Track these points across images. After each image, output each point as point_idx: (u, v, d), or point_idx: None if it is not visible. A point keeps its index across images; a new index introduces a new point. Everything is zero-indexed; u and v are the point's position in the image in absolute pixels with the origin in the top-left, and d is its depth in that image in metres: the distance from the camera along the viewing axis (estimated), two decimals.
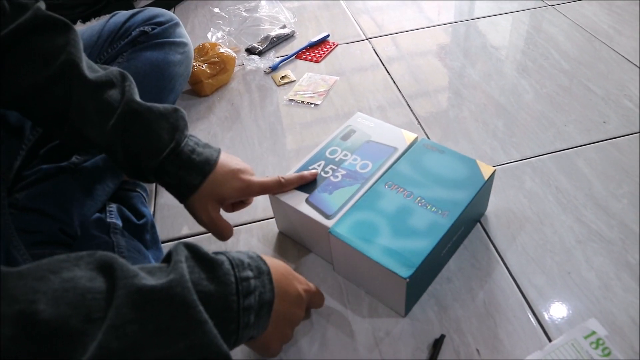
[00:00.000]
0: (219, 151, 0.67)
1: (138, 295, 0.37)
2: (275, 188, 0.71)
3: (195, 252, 0.45)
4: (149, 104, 0.64)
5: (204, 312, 0.40)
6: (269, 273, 0.51)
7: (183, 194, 0.65)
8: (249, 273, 0.48)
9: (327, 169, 0.75)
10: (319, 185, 0.73)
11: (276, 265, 0.54)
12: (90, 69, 0.63)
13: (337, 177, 0.74)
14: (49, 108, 0.61)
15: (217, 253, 0.48)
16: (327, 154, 0.78)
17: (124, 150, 0.62)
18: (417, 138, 0.79)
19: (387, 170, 0.74)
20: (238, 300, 0.45)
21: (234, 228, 0.82)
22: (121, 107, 0.61)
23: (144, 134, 0.62)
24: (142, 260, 0.72)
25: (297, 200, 0.72)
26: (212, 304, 0.42)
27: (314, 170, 0.74)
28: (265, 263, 0.51)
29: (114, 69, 0.65)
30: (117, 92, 0.63)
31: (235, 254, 0.49)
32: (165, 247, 0.80)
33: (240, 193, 0.66)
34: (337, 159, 0.77)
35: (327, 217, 0.69)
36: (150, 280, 0.39)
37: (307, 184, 0.73)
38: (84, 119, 0.61)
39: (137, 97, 0.64)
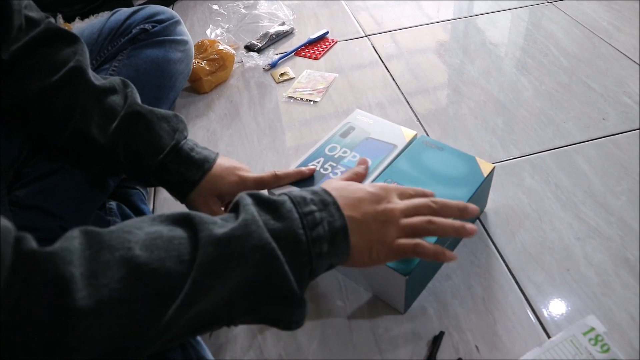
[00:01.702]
0: (217, 153, 0.70)
1: (220, 236, 0.42)
2: (272, 182, 0.70)
3: (257, 198, 0.47)
4: (150, 107, 0.67)
5: (278, 249, 0.43)
6: (335, 202, 0.50)
7: (183, 191, 0.65)
8: (313, 207, 0.48)
9: (326, 166, 0.75)
10: (318, 182, 0.73)
11: (343, 190, 0.54)
12: (95, 77, 0.67)
13: (336, 174, 0.74)
14: (53, 112, 0.64)
15: (280, 194, 0.50)
16: (326, 151, 0.78)
17: (126, 150, 0.63)
18: (416, 135, 0.79)
19: (386, 167, 0.75)
20: (305, 233, 0.46)
21: None
22: (124, 110, 0.65)
23: (145, 135, 0.65)
24: None
25: None
26: (282, 239, 0.44)
27: (312, 166, 0.75)
28: (329, 194, 0.51)
29: (115, 78, 0.69)
30: (120, 97, 0.67)
31: (298, 192, 0.50)
32: None
33: (237, 187, 0.67)
34: (336, 156, 0.77)
35: None
36: (227, 225, 0.43)
37: (305, 181, 0.73)
38: (88, 121, 0.64)
39: (139, 101, 0.67)
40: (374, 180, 0.73)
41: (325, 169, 0.75)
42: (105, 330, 0.35)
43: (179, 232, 0.41)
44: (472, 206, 0.58)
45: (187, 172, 0.65)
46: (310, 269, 0.47)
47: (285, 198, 0.48)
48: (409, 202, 0.56)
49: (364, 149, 0.77)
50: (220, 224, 0.43)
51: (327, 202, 0.50)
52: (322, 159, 0.76)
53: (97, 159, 0.70)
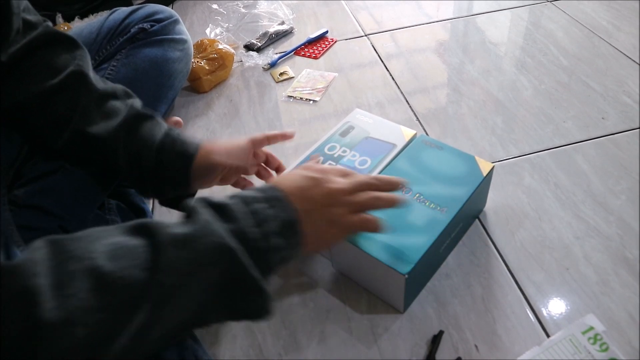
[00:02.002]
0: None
1: (179, 238, 0.43)
2: (263, 141, 0.74)
3: (208, 202, 0.48)
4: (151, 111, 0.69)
5: (234, 246, 0.45)
6: (285, 197, 0.52)
7: (186, 169, 0.66)
8: (263, 204, 0.50)
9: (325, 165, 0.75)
10: None
11: (286, 181, 0.56)
12: (97, 80, 0.67)
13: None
14: (52, 114, 0.64)
15: (231, 196, 0.50)
16: (325, 150, 0.78)
17: (125, 151, 0.63)
18: (415, 134, 0.79)
19: (386, 166, 0.75)
20: (257, 230, 0.48)
21: None
22: (127, 112, 0.65)
23: (144, 134, 0.65)
24: None
25: None
26: (236, 237, 0.46)
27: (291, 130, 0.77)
28: (277, 189, 0.53)
29: (118, 85, 0.69)
30: (122, 103, 0.67)
31: (247, 192, 0.51)
32: None
33: (231, 151, 0.70)
34: (335, 155, 0.77)
35: None
36: (183, 228, 0.44)
37: None
38: (89, 122, 0.64)
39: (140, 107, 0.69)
40: None
41: None
42: (75, 340, 0.35)
43: (138, 241, 0.42)
44: (402, 179, 0.63)
45: (185, 149, 0.66)
46: (267, 263, 0.48)
47: (236, 199, 0.49)
48: (352, 180, 0.59)
49: (364, 148, 0.77)
50: (176, 226, 0.44)
51: (276, 196, 0.52)
52: (321, 158, 0.76)
53: (95, 161, 0.69)
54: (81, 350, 0.36)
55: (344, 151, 0.77)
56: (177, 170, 0.66)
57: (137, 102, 0.68)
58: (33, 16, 0.65)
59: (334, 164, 0.75)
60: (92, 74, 0.67)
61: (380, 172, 0.74)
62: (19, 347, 0.34)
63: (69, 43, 0.67)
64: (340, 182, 0.58)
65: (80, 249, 0.38)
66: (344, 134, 0.81)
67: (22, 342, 0.34)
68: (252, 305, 0.47)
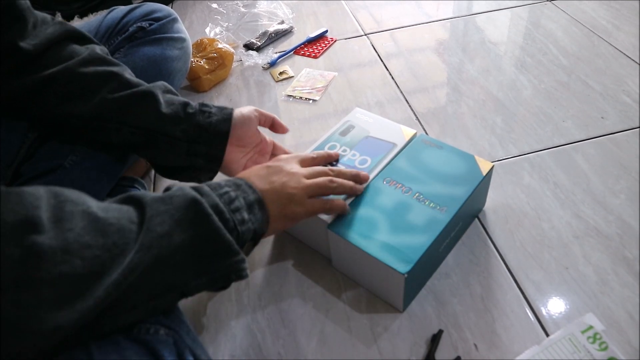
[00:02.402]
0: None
1: (163, 196, 0.49)
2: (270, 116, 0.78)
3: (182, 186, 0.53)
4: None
5: (208, 207, 0.50)
6: (246, 182, 0.59)
7: (223, 127, 0.70)
8: (227, 189, 0.55)
9: (325, 165, 0.75)
10: None
11: (250, 173, 0.63)
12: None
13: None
14: (81, 82, 0.66)
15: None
16: (325, 149, 0.78)
17: (165, 99, 0.69)
18: (415, 134, 0.79)
19: (385, 165, 0.74)
20: (225, 207, 0.53)
21: None
22: (155, 83, 0.70)
23: (180, 97, 0.71)
24: None
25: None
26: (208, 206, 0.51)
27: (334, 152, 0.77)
28: (240, 178, 0.59)
29: None
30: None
31: (214, 182, 0.56)
32: None
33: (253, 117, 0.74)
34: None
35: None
36: (166, 193, 0.51)
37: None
38: (125, 84, 0.67)
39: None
40: (374, 178, 0.73)
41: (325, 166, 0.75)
42: (72, 268, 0.38)
43: (126, 206, 0.47)
44: (364, 173, 0.71)
45: (221, 110, 0.71)
46: (237, 234, 0.53)
47: (205, 186, 0.54)
48: (310, 168, 0.67)
49: (364, 148, 0.77)
50: (159, 194, 0.49)
51: (239, 183, 0.57)
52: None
53: (126, 118, 0.69)
54: (77, 279, 0.39)
55: (344, 150, 0.77)
56: (225, 115, 0.71)
57: (162, 82, 0.72)
58: (40, 13, 0.67)
59: (334, 163, 0.75)
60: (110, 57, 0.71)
61: (380, 171, 0.74)
62: (21, 269, 0.36)
63: (87, 39, 0.71)
64: (301, 169, 0.66)
65: (76, 196, 0.43)
66: (344, 133, 0.81)
67: (23, 264, 0.36)
68: (233, 265, 0.51)
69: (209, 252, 0.49)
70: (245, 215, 0.54)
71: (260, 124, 0.77)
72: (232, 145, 0.72)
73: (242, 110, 0.73)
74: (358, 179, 0.70)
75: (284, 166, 0.64)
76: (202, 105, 0.71)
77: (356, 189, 0.69)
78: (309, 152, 0.78)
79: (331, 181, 0.65)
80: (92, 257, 0.40)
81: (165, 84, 0.71)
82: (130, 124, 0.67)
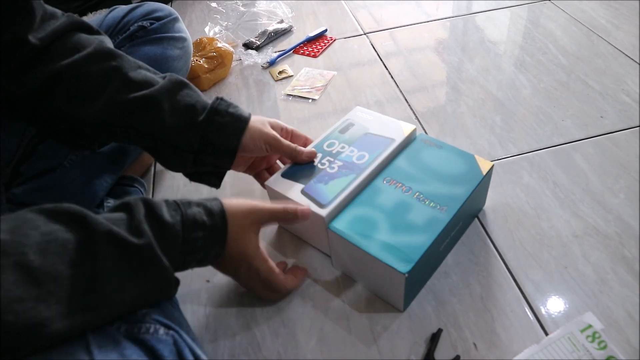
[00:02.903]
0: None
1: (118, 248, 0.45)
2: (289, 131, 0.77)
3: (150, 211, 0.51)
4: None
5: (165, 260, 0.49)
6: (223, 232, 0.56)
7: (239, 128, 0.67)
8: (199, 234, 0.54)
9: (323, 161, 0.75)
10: (315, 176, 0.73)
11: (237, 222, 0.58)
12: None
13: (333, 168, 0.74)
14: (86, 83, 0.64)
15: (177, 207, 0.53)
16: (324, 147, 0.78)
17: (172, 107, 0.64)
18: (415, 129, 0.80)
19: (384, 160, 0.75)
20: (182, 257, 0.52)
21: None
22: (166, 78, 0.66)
23: (194, 94, 0.67)
24: None
25: (293, 191, 0.72)
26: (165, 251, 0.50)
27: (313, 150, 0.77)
28: (224, 221, 0.56)
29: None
30: (155, 74, 0.67)
31: (193, 214, 0.54)
32: None
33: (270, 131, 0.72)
34: (334, 152, 0.77)
35: (322, 206, 0.69)
36: (125, 236, 0.46)
37: (303, 176, 0.74)
38: (130, 84, 0.64)
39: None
40: (372, 174, 0.73)
41: (323, 164, 0.75)
42: (5, 325, 0.38)
43: (72, 236, 0.44)
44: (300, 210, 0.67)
45: (237, 110, 0.68)
46: (183, 268, 0.54)
47: (177, 221, 0.52)
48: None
49: (362, 144, 0.77)
50: (115, 232, 0.46)
51: (216, 229, 0.56)
52: (320, 155, 0.77)
53: (132, 126, 0.66)
54: (11, 336, 0.38)
55: (343, 147, 0.77)
56: (236, 131, 0.67)
57: (174, 75, 0.68)
58: (51, 8, 0.67)
59: (332, 160, 0.75)
60: (119, 51, 0.68)
61: (378, 166, 0.74)
62: None
63: (94, 30, 0.70)
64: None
65: (11, 243, 0.40)
66: (343, 130, 0.81)
67: None
68: (163, 296, 0.52)
69: (153, 295, 0.50)
70: (193, 264, 0.55)
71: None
72: (239, 155, 0.69)
73: (258, 126, 0.69)
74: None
75: (254, 283, 0.65)
76: (214, 111, 0.65)
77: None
78: (308, 149, 0.77)
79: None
80: (24, 311, 0.39)
81: (176, 78, 0.67)
82: (137, 128, 0.65)
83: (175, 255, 0.51)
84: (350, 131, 0.80)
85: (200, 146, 0.65)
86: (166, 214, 0.51)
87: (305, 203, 0.70)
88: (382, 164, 0.75)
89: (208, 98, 0.68)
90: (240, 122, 0.67)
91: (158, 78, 0.66)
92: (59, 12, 0.67)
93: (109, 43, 0.69)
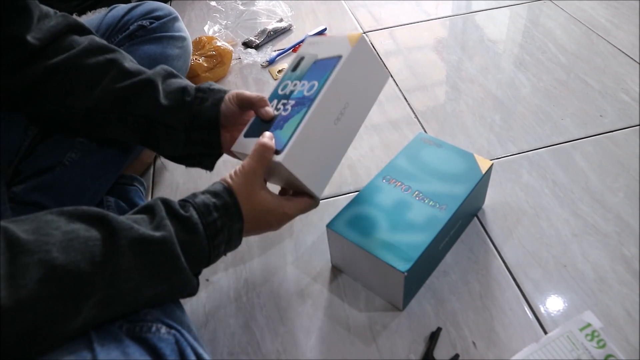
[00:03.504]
0: None
1: (139, 244, 0.46)
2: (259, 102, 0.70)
3: (169, 209, 0.52)
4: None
5: (184, 261, 0.49)
6: (235, 204, 0.56)
7: (221, 94, 0.69)
8: (215, 215, 0.54)
9: (279, 106, 0.68)
10: (273, 124, 0.67)
11: (241, 190, 0.58)
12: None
13: (287, 109, 0.67)
14: (83, 73, 0.66)
15: (185, 202, 0.54)
16: (279, 91, 0.71)
17: (165, 89, 0.67)
18: (361, 35, 0.67)
19: (334, 81, 0.64)
20: (208, 243, 0.53)
21: None
22: (156, 69, 0.69)
23: (183, 80, 0.70)
24: None
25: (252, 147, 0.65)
26: (188, 251, 0.50)
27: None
28: (231, 195, 0.56)
29: None
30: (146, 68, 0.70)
31: (202, 200, 0.54)
32: None
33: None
34: (288, 92, 0.69)
35: (277, 152, 0.62)
36: (146, 231, 0.47)
37: (263, 129, 0.67)
38: (125, 74, 0.67)
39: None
40: (321, 102, 0.64)
41: (278, 109, 0.68)
42: (24, 324, 0.39)
43: (94, 233, 0.44)
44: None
45: (216, 87, 0.70)
46: (207, 264, 0.55)
47: (192, 211, 0.53)
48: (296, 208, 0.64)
49: (312, 74, 0.68)
50: (136, 229, 0.47)
51: (228, 205, 0.56)
52: (275, 101, 0.69)
53: (129, 112, 0.68)
54: (30, 333, 0.39)
55: (295, 84, 0.69)
56: (215, 101, 0.68)
57: (163, 65, 0.71)
58: (44, 7, 0.68)
59: (286, 102, 0.68)
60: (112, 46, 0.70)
61: (333, 92, 0.65)
62: None
63: (87, 31, 0.71)
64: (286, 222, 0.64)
65: (35, 242, 0.41)
66: (295, 68, 0.72)
67: None
68: (182, 297, 0.53)
69: (171, 295, 0.51)
70: (223, 248, 0.55)
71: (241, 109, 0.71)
72: (225, 129, 0.70)
73: (231, 94, 0.70)
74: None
75: (281, 222, 0.63)
76: (199, 90, 0.69)
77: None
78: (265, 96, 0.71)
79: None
80: (45, 309, 0.40)
81: (166, 67, 0.70)
82: (131, 112, 0.67)
83: (203, 244, 0.52)
84: (301, 65, 0.71)
85: (189, 123, 0.67)
86: (180, 209, 0.52)
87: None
88: (333, 85, 0.65)
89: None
90: (219, 93, 0.69)
91: (149, 70, 0.69)
92: (52, 11, 0.68)
93: (102, 40, 0.70)
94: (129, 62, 0.69)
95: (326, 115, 0.65)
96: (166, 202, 0.52)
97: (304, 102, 0.65)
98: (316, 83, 0.66)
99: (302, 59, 0.73)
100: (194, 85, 0.69)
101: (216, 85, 0.70)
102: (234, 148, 0.69)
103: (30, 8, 0.63)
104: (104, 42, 0.70)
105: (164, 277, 0.48)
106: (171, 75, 0.70)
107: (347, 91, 0.66)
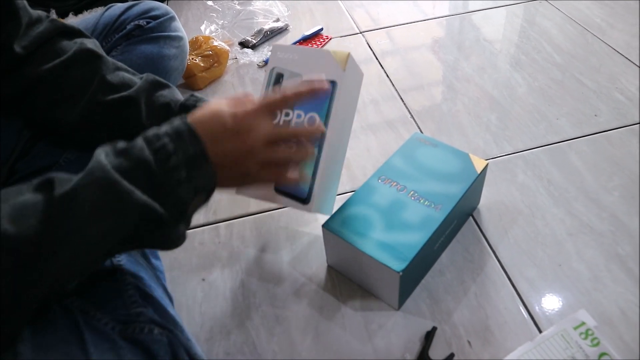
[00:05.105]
0: None
1: (68, 191, 0.43)
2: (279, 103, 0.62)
3: (112, 146, 0.48)
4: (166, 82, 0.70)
5: (128, 184, 0.44)
6: (189, 130, 0.50)
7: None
8: (165, 140, 0.49)
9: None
10: None
11: (200, 117, 0.53)
12: (107, 57, 0.68)
13: (291, 148, 0.61)
14: (67, 86, 0.64)
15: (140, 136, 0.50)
16: None
17: (148, 109, 0.65)
18: (349, 54, 0.64)
19: (337, 113, 0.63)
20: (158, 165, 0.47)
21: (228, 222, 0.82)
22: (144, 80, 0.66)
23: (167, 95, 0.67)
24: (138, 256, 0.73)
25: (267, 192, 0.66)
26: (137, 178, 0.45)
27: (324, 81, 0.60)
28: (185, 122, 0.51)
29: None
30: (134, 75, 0.68)
31: (153, 130, 0.50)
32: None
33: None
34: (281, 123, 0.63)
35: (304, 201, 0.63)
36: (74, 179, 0.44)
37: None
38: (107, 89, 0.64)
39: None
40: (335, 137, 0.65)
41: None
42: None
43: (39, 197, 0.42)
44: (317, 129, 0.60)
45: (203, 103, 0.66)
46: (174, 197, 0.48)
47: (138, 139, 0.49)
48: (271, 131, 0.56)
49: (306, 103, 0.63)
50: (73, 179, 0.44)
51: (180, 130, 0.50)
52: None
53: (113, 127, 0.66)
54: (9, 305, 0.39)
55: (287, 114, 0.63)
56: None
57: (150, 75, 0.68)
58: (35, 12, 0.66)
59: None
60: (101, 51, 0.68)
61: (339, 125, 0.64)
62: None
63: (77, 33, 0.68)
64: (260, 133, 0.55)
65: None
66: (274, 85, 0.68)
67: None
68: (159, 238, 0.48)
69: (133, 228, 0.46)
70: (183, 173, 0.49)
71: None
72: None
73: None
74: (315, 137, 0.63)
75: (243, 131, 0.54)
76: (183, 107, 0.66)
77: (311, 154, 0.60)
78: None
79: (292, 154, 0.58)
80: (7, 283, 0.39)
81: (152, 78, 0.67)
82: (114, 129, 0.65)
83: (152, 167, 0.47)
84: (284, 85, 0.66)
85: None
86: (124, 143, 0.48)
87: (286, 203, 0.64)
88: (335, 116, 0.63)
89: (184, 95, 0.69)
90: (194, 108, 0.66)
91: (136, 79, 0.67)
92: (43, 14, 0.67)
93: (91, 44, 0.68)
94: (114, 72, 0.66)
95: (333, 145, 0.65)
96: (111, 144, 0.49)
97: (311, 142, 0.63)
98: (316, 117, 0.63)
99: (281, 76, 0.68)
100: (180, 99, 0.67)
101: (201, 100, 0.67)
102: (239, 193, 0.68)
103: (18, 15, 0.61)
104: (92, 47, 0.67)
105: (111, 208, 0.44)
106: (157, 87, 0.67)
107: (343, 112, 0.67)
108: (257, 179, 0.57)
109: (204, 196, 0.52)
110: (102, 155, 0.46)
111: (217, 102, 0.56)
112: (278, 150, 0.57)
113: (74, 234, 0.42)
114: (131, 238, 0.46)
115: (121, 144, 0.48)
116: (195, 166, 0.50)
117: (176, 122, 0.51)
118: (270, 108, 0.57)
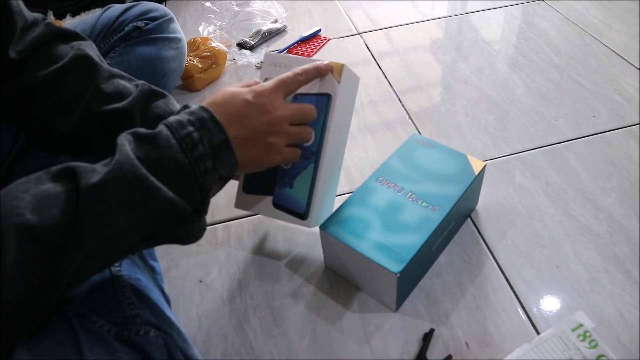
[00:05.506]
0: None
1: (96, 183, 0.42)
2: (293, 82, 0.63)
3: (134, 134, 0.48)
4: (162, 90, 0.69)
5: (155, 180, 0.45)
6: (212, 118, 0.51)
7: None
8: (190, 128, 0.49)
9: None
10: (277, 180, 0.68)
11: (225, 105, 0.54)
12: (103, 63, 0.67)
13: (287, 164, 0.66)
14: (62, 94, 0.63)
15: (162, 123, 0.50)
16: None
17: (142, 121, 0.64)
18: (344, 66, 0.64)
19: (333, 127, 0.64)
20: (186, 156, 0.48)
21: (226, 223, 0.82)
22: (139, 89, 0.65)
23: (161, 106, 0.66)
24: (135, 257, 0.73)
25: (265, 207, 0.68)
26: (163, 169, 0.46)
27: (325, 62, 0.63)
28: (206, 110, 0.52)
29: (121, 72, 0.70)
30: (130, 83, 0.67)
31: (174, 117, 0.51)
32: None
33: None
34: None
35: (302, 216, 0.66)
36: (102, 171, 0.44)
37: (264, 184, 0.67)
38: (101, 99, 0.64)
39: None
40: (332, 153, 0.67)
41: None
42: (16, 290, 0.38)
43: (62, 187, 0.42)
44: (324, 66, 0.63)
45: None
46: (199, 186, 0.49)
47: (162, 127, 0.49)
48: (296, 108, 0.59)
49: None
50: (98, 170, 0.44)
51: (203, 119, 0.51)
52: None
53: (108, 138, 0.65)
54: (24, 294, 0.38)
55: None
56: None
57: (146, 84, 0.67)
58: (30, 14, 0.65)
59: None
60: (97, 58, 0.67)
61: (336, 139, 0.66)
62: None
63: (73, 36, 0.68)
64: (281, 109, 0.57)
65: (5, 207, 0.39)
66: None
67: None
68: (181, 232, 0.49)
69: (158, 222, 0.46)
70: (210, 163, 0.50)
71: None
72: None
73: None
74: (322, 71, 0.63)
75: (267, 105, 0.56)
76: (178, 123, 0.62)
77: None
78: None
79: (309, 130, 0.61)
80: (33, 271, 0.39)
81: (147, 87, 0.66)
82: (111, 139, 0.64)
83: (180, 157, 0.47)
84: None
85: None
86: (148, 130, 0.48)
87: (284, 218, 0.67)
88: (331, 130, 0.64)
89: (179, 105, 0.68)
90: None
91: (131, 87, 0.66)
92: (39, 17, 0.66)
93: (88, 48, 0.67)
94: (108, 81, 0.65)
95: (330, 158, 0.66)
96: (131, 131, 0.48)
97: (307, 156, 0.65)
98: (312, 131, 0.64)
99: None
100: (174, 110, 0.67)
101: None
102: (238, 206, 0.69)
103: (14, 19, 0.60)
104: (88, 52, 0.66)
105: (138, 203, 0.44)
106: (152, 97, 0.66)
107: (340, 123, 0.67)
108: (281, 152, 0.58)
109: (223, 184, 0.54)
110: (127, 146, 0.46)
111: (229, 86, 0.57)
112: (303, 130, 0.60)
113: (100, 228, 0.42)
114: (155, 233, 0.46)
115: (143, 131, 0.48)
116: (219, 155, 0.51)
117: (195, 109, 0.52)
118: (284, 84, 0.58)
